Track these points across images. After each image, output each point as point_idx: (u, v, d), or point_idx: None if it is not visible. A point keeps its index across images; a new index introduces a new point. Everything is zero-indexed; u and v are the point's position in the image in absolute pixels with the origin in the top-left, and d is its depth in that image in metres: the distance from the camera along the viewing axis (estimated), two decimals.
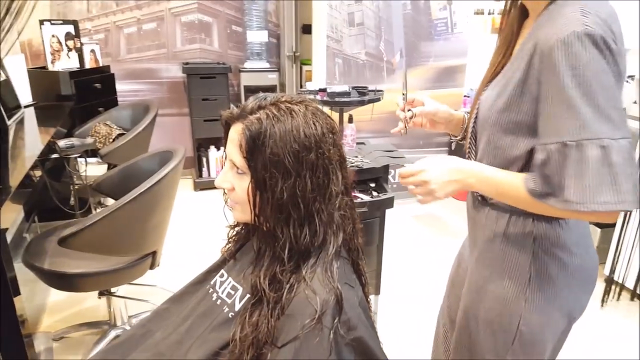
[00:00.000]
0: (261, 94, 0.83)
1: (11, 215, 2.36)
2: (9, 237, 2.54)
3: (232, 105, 0.94)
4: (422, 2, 3.52)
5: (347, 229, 0.87)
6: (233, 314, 0.88)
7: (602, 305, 2.47)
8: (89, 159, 2.75)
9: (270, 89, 3.64)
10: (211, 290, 0.95)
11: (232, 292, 0.92)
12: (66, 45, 3.14)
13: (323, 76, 3.29)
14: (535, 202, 0.88)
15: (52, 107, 2.86)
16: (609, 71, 0.80)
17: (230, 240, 0.99)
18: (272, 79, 3.71)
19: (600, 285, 2.48)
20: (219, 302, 0.92)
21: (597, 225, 2.64)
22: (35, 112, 2.73)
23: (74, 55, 3.20)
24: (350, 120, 1.86)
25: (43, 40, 3.02)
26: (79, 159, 2.41)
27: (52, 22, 3.04)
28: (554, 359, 1.09)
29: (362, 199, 1.66)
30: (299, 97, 0.84)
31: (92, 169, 2.55)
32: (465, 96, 3.86)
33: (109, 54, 3.64)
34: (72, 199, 2.33)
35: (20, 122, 2.41)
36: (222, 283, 0.94)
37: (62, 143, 2.09)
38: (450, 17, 3.64)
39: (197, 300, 0.96)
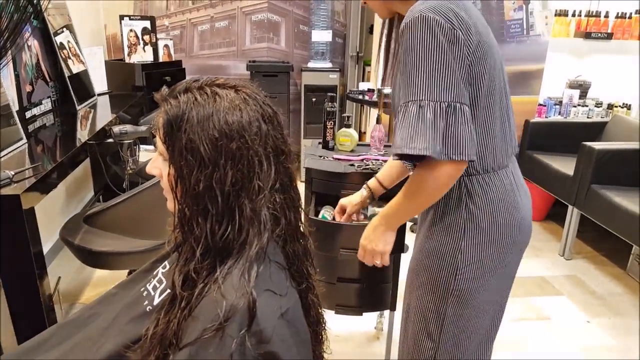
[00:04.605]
0: (197, 76, 0.79)
1: (72, 192, 2.56)
2: (74, 212, 2.79)
3: (165, 87, 0.95)
4: (495, 2, 3.34)
5: (276, 230, 0.78)
6: (151, 307, 0.85)
7: None
8: (147, 146, 2.94)
9: (331, 88, 3.66)
10: (152, 280, 0.92)
11: (158, 285, 0.88)
12: (142, 39, 3.37)
13: (380, 77, 3.23)
14: (407, 192, 1.07)
15: (123, 96, 3.08)
16: (437, 46, 0.97)
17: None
18: (332, 78, 3.72)
19: None
20: (145, 293, 0.89)
21: None
22: (109, 100, 2.96)
23: (149, 49, 3.42)
24: (378, 120, 1.82)
25: (122, 34, 3.26)
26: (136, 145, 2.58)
27: (131, 17, 3.28)
28: (487, 311, 1.21)
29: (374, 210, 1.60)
30: (234, 81, 0.77)
31: (148, 155, 2.73)
32: (540, 105, 3.60)
33: (182, 49, 3.86)
34: (125, 181, 2.50)
35: (92, 108, 2.63)
36: (160, 274, 0.91)
37: (116, 129, 2.25)
38: (526, 17, 3.42)
39: (139, 288, 0.93)
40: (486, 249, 1.12)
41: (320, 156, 1.84)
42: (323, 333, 0.93)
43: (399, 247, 1.71)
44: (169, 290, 0.79)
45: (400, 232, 1.71)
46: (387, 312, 1.82)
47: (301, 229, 0.85)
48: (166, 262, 0.93)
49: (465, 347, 1.25)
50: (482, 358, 1.36)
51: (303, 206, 0.87)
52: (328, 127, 1.92)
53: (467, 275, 1.12)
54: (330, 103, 1.89)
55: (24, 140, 1.72)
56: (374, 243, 1.17)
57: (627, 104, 3.51)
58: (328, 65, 3.82)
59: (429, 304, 1.19)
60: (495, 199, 1.10)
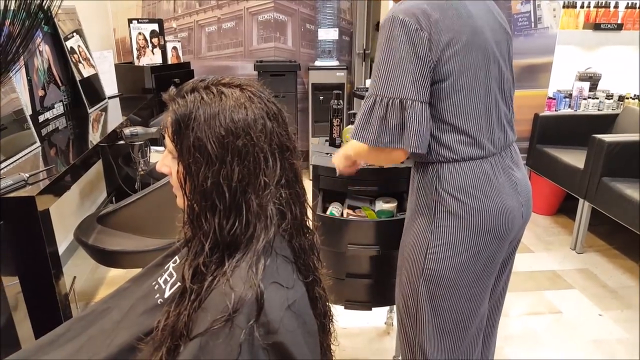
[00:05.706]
0: (203, 76, 0.81)
1: (86, 193, 2.59)
2: (88, 213, 2.84)
3: (172, 87, 0.98)
4: None
5: (282, 224, 0.80)
6: (162, 300, 0.87)
7: None
8: (158, 148, 2.98)
9: (338, 86, 3.67)
10: (163, 274, 0.94)
11: (168, 279, 0.91)
12: (151, 42, 3.41)
13: None
14: (360, 147, 1.21)
15: (133, 99, 3.13)
16: (399, 47, 1.06)
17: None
18: (340, 76, 3.73)
19: None
20: (156, 287, 0.92)
21: None
22: (119, 102, 3.01)
23: (158, 51, 3.46)
24: None
25: (131, 37, 3.30)
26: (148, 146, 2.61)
27: (139, 20, 3.31)
28: (465, 296, 1.25)
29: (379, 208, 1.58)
30: (239, 80, 0.79)
31: (159, 157, 2.76)
32: (549, 98, 3.58)
33: (191, 51, 3.90)
34: (137, 182, 2.54)
35: (103, 111, 2.67)
36: (171, 268, 0.94)
37: (127, 131, 2.29)
38: (533, 10, 3.40)
39: (150, 282, 0.95)
40: (455, 232, 1.19)
41: (327, 153, 1.86)
42: (330, 325, 0.94)
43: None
44: (179, 284, 0.81)
45: None
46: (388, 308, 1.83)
47: (307, 223, 0.86)
48: (177, 257, 0.96)
49: (448, 333, 1.28)
50: (470, 357, 1.36)
51: (309, 201, 0.88)
52: (334, 124, 1.94)
53: (437, 255, 1.21)
54: (336, 100, 1.91)
55: (38, 143, 1.76)
56: (336, 160, 1.49)
57: (638, 95, 3.47)
58: (335, 63, 3.84)
59: (407, 281, 1.29)
60: (464, 185, 1.17)
